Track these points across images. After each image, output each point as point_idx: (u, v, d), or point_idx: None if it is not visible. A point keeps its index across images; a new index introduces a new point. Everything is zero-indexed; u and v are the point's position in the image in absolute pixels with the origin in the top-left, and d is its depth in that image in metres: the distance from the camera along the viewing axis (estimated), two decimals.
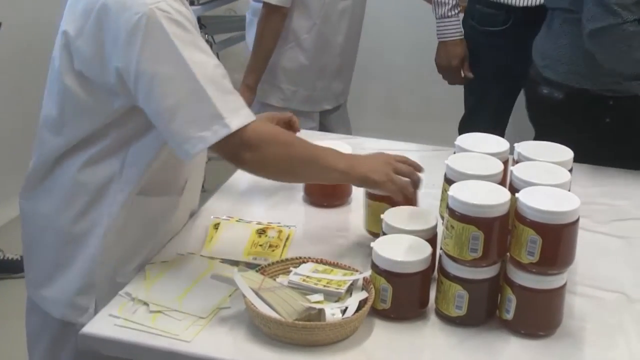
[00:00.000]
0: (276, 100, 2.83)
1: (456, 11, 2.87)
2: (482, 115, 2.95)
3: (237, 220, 1.83)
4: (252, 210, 1.92)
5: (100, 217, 1.60)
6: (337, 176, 1.60)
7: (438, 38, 2.92)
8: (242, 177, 2.07)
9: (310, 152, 1.58)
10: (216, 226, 1.79)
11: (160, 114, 1.48)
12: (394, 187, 1.59)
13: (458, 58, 2.89)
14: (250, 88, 2.79)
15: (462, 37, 2.89)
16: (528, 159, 1.65)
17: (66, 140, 1.59)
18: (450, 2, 2.85)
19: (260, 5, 2.73)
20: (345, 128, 3.03)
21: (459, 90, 3.59)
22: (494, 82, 2.90)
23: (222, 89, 1.49)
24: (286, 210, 1.90)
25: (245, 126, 1.50)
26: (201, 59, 1.48)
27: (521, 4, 2.79)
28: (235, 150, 1.51)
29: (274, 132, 1.57)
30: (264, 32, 2.73)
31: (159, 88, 1.46)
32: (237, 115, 1.49)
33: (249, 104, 2.74)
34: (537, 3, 2.75)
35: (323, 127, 2.94)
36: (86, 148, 1.59)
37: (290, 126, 1.90)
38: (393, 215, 1.59)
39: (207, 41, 1.72)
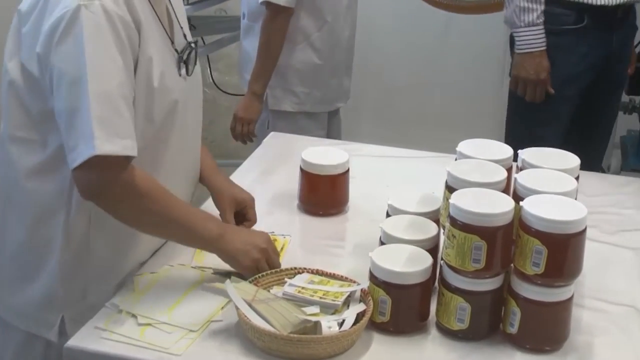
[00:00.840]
0: (290, 105, 2.83)
1: (542, 19, 2.61)
2: (550, 132, 2.71)
3: None
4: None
5: (56, 229, 1.58)
6: (201, 243, 1.61)
7: (522, 49, 2.64)
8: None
9: (178, 213, 1.56)
10: None
11: (58, 114, 1.47)
12: (254, 274, 1.58)
13: (546, 71, 2.64)
14: (257, 96, 2.79)
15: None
16: (533, 166, 1.66)
17: (9, 140, 1.58)
18: (539, 7, 2.60)
19: (257, 9, 2.73)
20: (339, 131, 3.05)
21: (459, 93, 3.61)
22: (561, 93, 2.69)
23: (111, 108, 1.45)
24: (281, 219, 1.91)
25: (116, 158, 1.44)
26: (104, 71, 1.44)
27: (598, 3, 2.60)
28: (95, 181, 1.47)
29: (148, 185, 1.52)
30: (270, 35, 2.72)
31: (61, 87, 1.45)
32: (112, 142, 1.43)
33: (258, 113, 2.75)
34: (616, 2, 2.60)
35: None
36: (29, 155, 1.57)
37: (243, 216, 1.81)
38: (392, 224, 1.60)
39: (196, 43, 1.69)
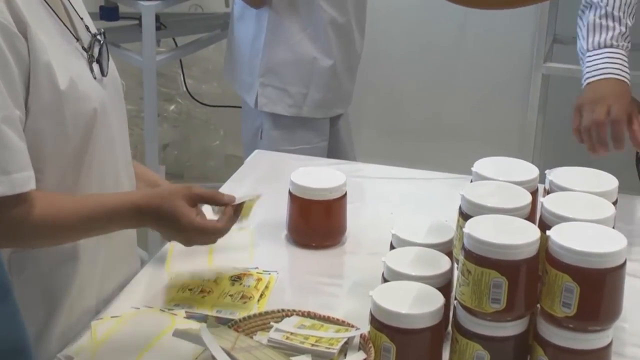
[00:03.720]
0: (284, 108, 2.85)
1: (625, 44, 2.25)
2: None
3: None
4: (224, 251, 1.91)
5: None
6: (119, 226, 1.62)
7: (590, 76, 2.24)
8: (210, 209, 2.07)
9: (96, 223, 1.56)
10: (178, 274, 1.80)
11: None
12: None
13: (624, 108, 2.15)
14: None
15: None
16: (562, 189, 1.66)
17: None
18: (617, 27, 2.25)
19: None
20: (341, 140, 3.07)
21: (477, 102, 3.62)
22: None
23: None
24: (266, 252, 1.91)
25: (6, 198, 1.42)
26: None
27: None
28: None
29: (51, 210, 1.50)
30: None
31: None
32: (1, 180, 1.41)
33: None
34: None
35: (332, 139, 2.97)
36: None
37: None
38: (397, 258, 1.60)
39: (103, 33, 1.65)
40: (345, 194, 1.94)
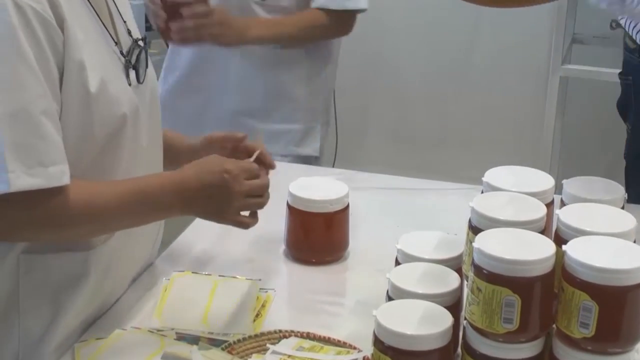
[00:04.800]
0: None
1: None
2: None
3: (192, 273, 1.86)
4: (219, 267, 1.92)
5: None
6: (160, 214, 1.70)
7: None
8: (206, 224, 2.07)
9: (129, 207, 1.62)
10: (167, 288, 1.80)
11: None
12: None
13: None
14: None
15: None
16: (580, 200, 1.66)
17: None
18: None
19: None
20: None
21: (490, 108, 3.62)
22: None
23: (28, 130, 1.45)
24: (262, 269, 1.91)
25: (41, 192, 1.47)
26: (17, 83, 1.44)
27: None
28: (16, 222, 1.50)
29: (85, 199, 1.55)
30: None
31: None
32: (33, 173, 1.45)
33: None
34: None
35: None
36: None
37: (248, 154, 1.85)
38: (402, 275, 1.60)
39: (144, 39, 1.69)
40: (348, 205, 1.94)
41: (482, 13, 3.98)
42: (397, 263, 1.68)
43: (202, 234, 2.05)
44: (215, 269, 1.89)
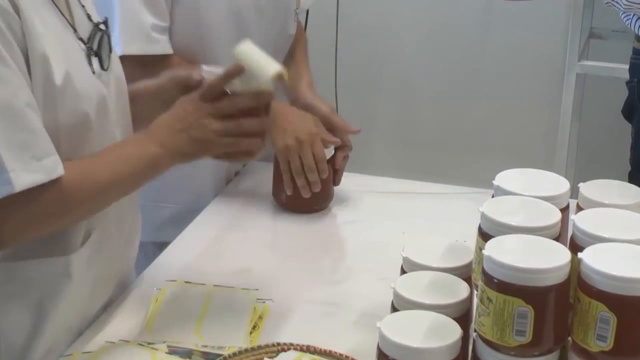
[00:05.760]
0: None
1: None
2: None
3: (185, 282, 1.86)
4: (213, 276, 1.91)
5: None
6: (150, 167, 1.69)
7: None
8: (199, 228, 2.07)
9: (119, 173, 1.64)
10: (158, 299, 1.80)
11: None
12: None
13: None
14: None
15: None
16: (597, 205, 1.66)
17: None
18: None
19: None
20: None
21: (501, 108, 3.61)
22: None
23: (16, 125, 1.46)
24: (259, 277, 1.91)
25: (41, 187, 1.48)
26: None
27: None
28: (18, 223, 1.51)
29: (78, 181, 1.57)
30: None
31: None
32: (30, 169, 1.47)
33: None
34: None
35: None
36: None
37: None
38: (408, 284, 1.60)
39: (105, 23, 1.68)
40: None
41: (493, 7, 3.98)
42: (403, 272, 1.68)
43: (195, 240, 2.05)
44: (209, 278, 1.89)
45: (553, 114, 3.82)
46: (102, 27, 1.70)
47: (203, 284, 1.85)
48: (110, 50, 1.72)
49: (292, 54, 2.47)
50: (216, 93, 1.70)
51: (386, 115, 4.29)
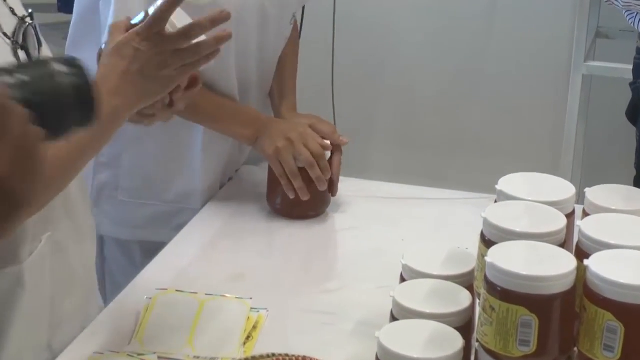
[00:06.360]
0: None
1: None
2: None
3: (176, 291, 1.86)
4: (206, 285, 1.91)
5: None
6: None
7: None
8: (192, 233, 2.07)
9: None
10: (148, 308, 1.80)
11: None
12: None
13: None
14: None
15: None
16: (604, 210, 1.66)
17: None
18: None
19: None
20: None
21: (505, 109, 3.61)
22: None
23: None
24: (254, 287, 1.91)
25: None
26: None
27: None
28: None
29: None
30: None
31: None
32: None
33: None
34: None
35: None
36: None
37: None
38: (408, 293, 1.60)
39: (31, 15, 1.68)
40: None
41: (496, 5, 3.99)
42: (402, 280, 1.68)
43: (187, 247, 2.05)
44: (201, 287, 1.89)
45: (558, 117, 3.82)
46: (28, 20, 1.66)
47: (195, 293, 1.85)
48: (40, 44, 1.68)
49: (281, 67, 2.45)
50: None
51: (385, 117, 4.29)
